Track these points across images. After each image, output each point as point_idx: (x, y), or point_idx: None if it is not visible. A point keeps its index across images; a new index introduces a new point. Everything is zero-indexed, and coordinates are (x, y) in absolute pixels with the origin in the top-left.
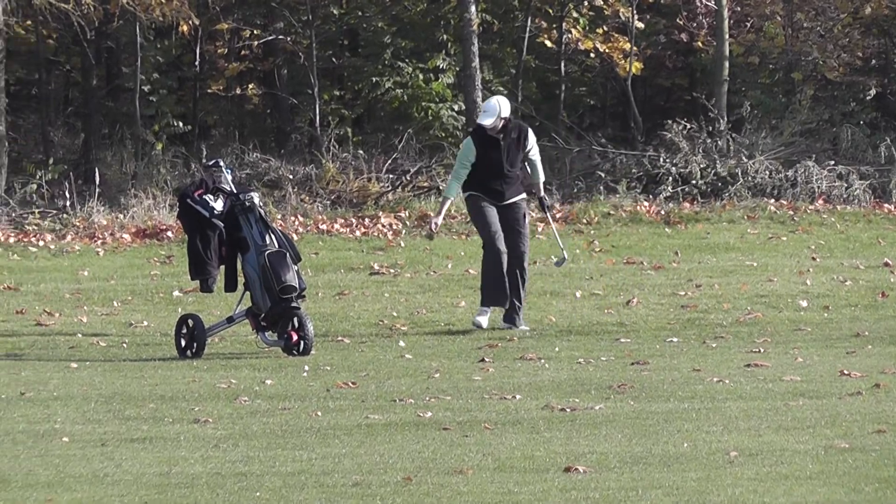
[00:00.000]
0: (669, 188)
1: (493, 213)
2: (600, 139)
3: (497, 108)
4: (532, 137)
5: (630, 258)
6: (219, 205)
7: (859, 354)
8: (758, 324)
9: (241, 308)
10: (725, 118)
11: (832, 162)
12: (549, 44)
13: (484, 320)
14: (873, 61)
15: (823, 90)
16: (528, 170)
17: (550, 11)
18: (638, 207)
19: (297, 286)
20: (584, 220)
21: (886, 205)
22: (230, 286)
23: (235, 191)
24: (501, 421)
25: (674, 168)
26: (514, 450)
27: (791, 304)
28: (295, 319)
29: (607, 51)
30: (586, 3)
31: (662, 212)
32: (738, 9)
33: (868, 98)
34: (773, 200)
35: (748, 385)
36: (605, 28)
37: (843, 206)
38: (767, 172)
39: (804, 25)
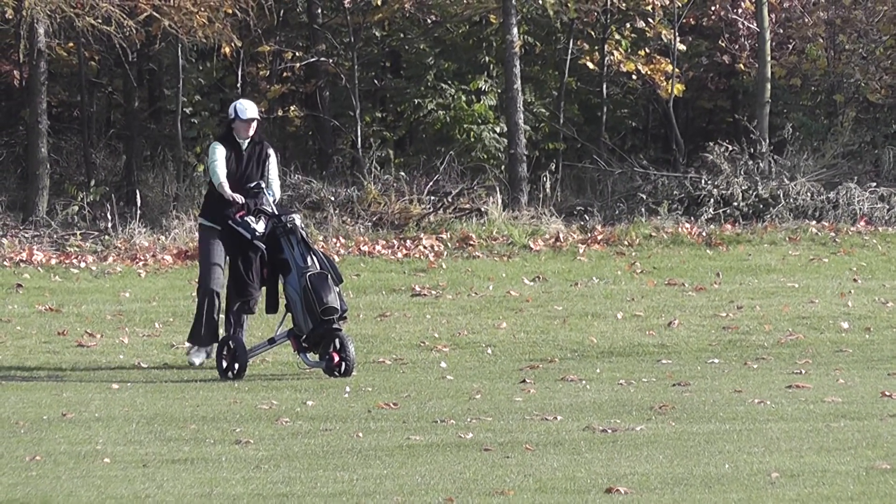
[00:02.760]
0: (711, 210)
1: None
2: (642, 161)
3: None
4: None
5: (671, 280)
6: (260, 226)
7: None
8: (799, 345)
9: (283, 329)
10: (767, 140)
11: (874, 184)
12: (591, 66)
13: None
14: None
15: (865, 112)
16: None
17: (592, 34)
18: (679, 229)
19: (339, 308)
20: (626, 242)
21: None
22: (271, 307)
23: (277, 212)
24: (542, 442)
25: (715, 190)
26: (556, 471)
27: (832, 326)
28: (336, 341)
29: (649, 73)
30: (628, 25)
31: (704, 233)
32: (781, 31)
33: None
34: (814, 222)
35: (789, 406)
36: (647, 50)
37: (885, 228)
38: (809, 194)
39: (846, 48)
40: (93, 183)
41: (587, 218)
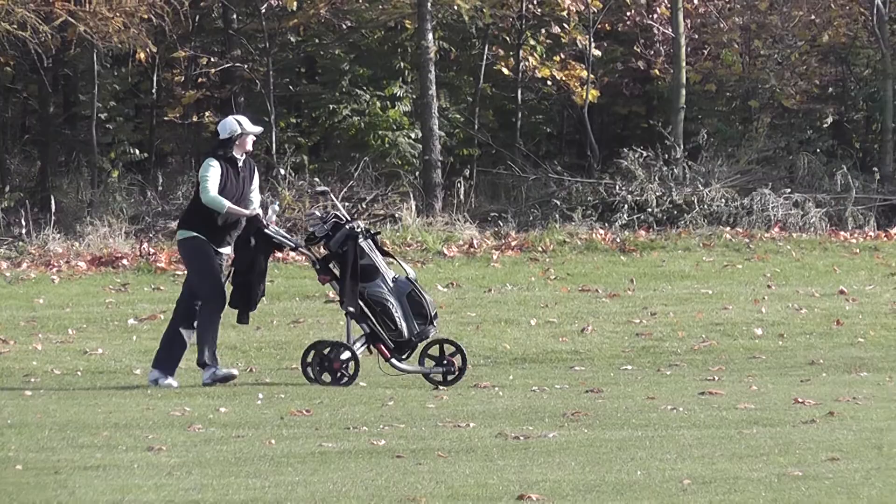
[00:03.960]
0: (625, 216)
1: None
2: (556, 167)
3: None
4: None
5: (585, 286)
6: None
7: (814, 382)
8: (712, 352)
9: (359, 338)
10: (682, 146)
11: (788, 190)
12: (506, 71)
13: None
14: (830, 89)
15: (780, 118)
16: None
17: (508, 39)
18: (593, 235)
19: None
20: (540, 248)
21: (842, 233)
22: (354, 303)
23: (350, 218)
24: (455, 449)
25: (630, 196)
26: (468, 478)
27: (746, 332)
28: (448, 345)
29: (564, 78)
30: (543, 31)
31: (618, 239)
32: (696, 36)
33: (825, 126)
34: (728, 228)
35: (702, 413)
36: (563, 56)
37: (799, 234)
38: (723, 200)
39: (761, 53)
40: (7, 189)
41: (501, 224)
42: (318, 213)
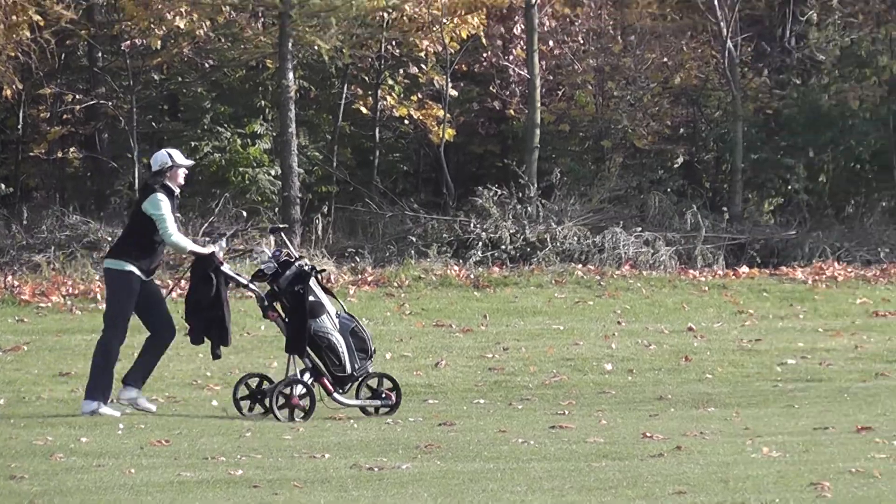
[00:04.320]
0: (479, 253)
1: None
2: (413, 204)
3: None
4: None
5: (439, 321)
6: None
7: (662, 417)
8: (563, 386)
9: (299, 371)
10: (536, 184)
11: (639, 228)
12: (364, 110)
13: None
14: (682, 130)
15: (632, 158)
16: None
17: (366, 79)
18: (448, 271)
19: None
20: (395, 284)
21: (692, 271)
22: (300, 348)
23: (297, 256)
24: (311, 479)
25: (484, 233)
26: None
27: (596, 368)
28: (386, 379)
29: (421, 118)
30: (402, 71)
31: (472, 276)
32: (551, 77)
33: (676, 166)
34: (580, 265)
35: (553, 446)
36: (420, 95)
37: (649, 272)
38: (576, 238)
39: (615, 94)
40: None
41: (358, 259)
42: (267, 251)
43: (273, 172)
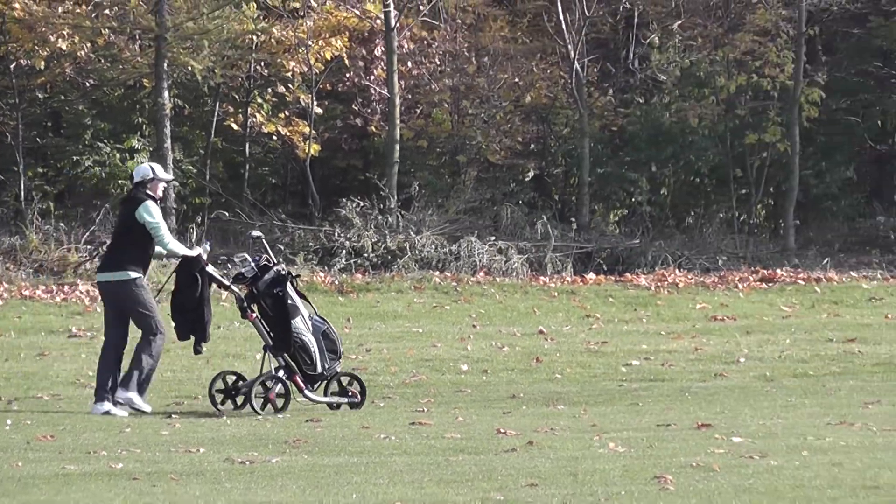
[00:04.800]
0: (343, 260)
1: None
2: (281, 215)
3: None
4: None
5: None
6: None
7: (514, 414)
8: (422, 385)
9: (273, 369)
10: (396, 196)
11: (493, 238)
12: (235, 127)
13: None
14: (532, 146)
15: (486, 172)
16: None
17: (237, 97)
18: (314, 278)
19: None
20: None
21: (542, 277)
22: (286, 347)
23: (277, 261)
24: (186, 472)
25: (348, 242)
26: (198, 499)
27: (453, 368)
28: (353, 380)
29: (289, 134)
30: (270, 90)
31: (336, 282)
32: (409, 96)
33: (527, 179)
34: (438, 272)
35: (413, 441)
36: (287, 113)
37: (503, 279)
38: (433, 247)
39: (469, 112)
40: None
41: (230, 266)
42: (248, 255)
43: None
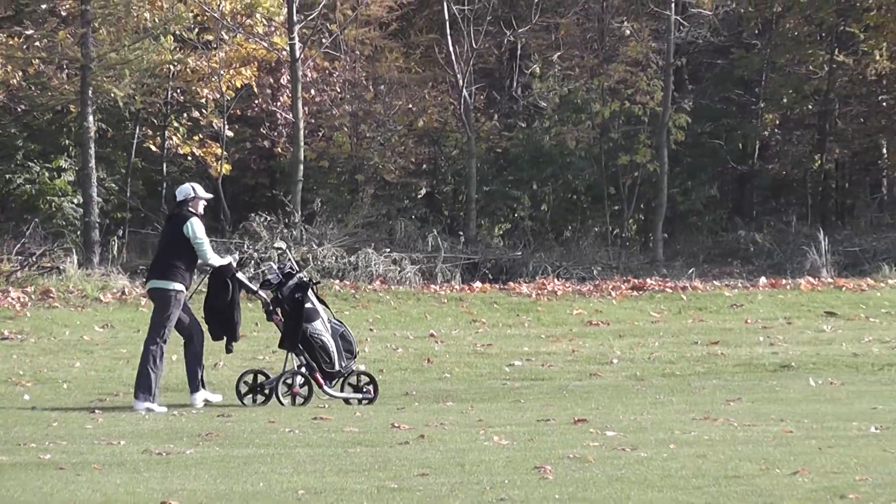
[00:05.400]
0: (252, 270)
1: None
2: None
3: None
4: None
5: None
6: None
7: (408, 410)
8: None
9: (294, 367)
10: (300, 212)
11: (388, 249)
12: (153, 148)
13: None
14: (424, 166)
15: (382, 189)
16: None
17: (155, 121)
18: None
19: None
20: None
21: (433, 286)
22: (293, 345)
23: (299, 268)
24: (108, 462)
25: (256, 253)
26: (119, 487)
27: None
28: (365, 377)
29: (202, 154)
30: (185, 115)
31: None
32: (312, 120)
33: (419, 196)
34: (338, 281)
35: (315, 434)
36: (201, 136)
37: (397, 287)
38: (334, 258)
39: (367, 135)
40: None
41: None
42: (274, 265)
43: (76, 201)
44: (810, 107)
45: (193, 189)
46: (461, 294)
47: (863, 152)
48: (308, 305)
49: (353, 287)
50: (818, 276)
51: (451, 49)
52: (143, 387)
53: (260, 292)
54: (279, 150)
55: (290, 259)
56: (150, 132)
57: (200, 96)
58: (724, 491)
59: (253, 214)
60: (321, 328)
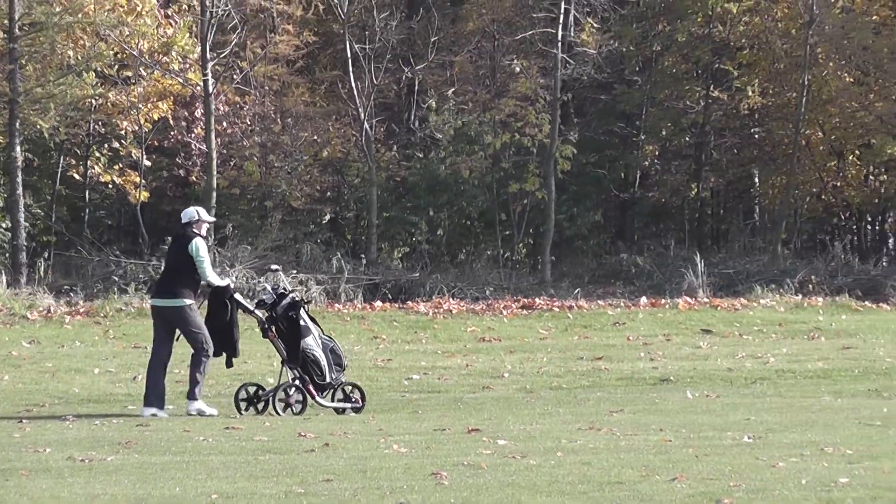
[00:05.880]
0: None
1: None
2: (115, 251)
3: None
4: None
5: (137, 343)
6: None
7: (313, 420)
8: (233, 396)
9: (289, 379)
10: (213, 236)
11: (295, 271)
12: (76, 177)
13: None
14: (328, 193)
15: (290, 215)
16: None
17: (78, 152)
18: (143, 304)
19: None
20: (102, 314)
21: (337, 304)
22: (296, 360)
23: (290, 289)
24: (35, 469)
25: None
26: (45, 491)
27: (262, 381)
28: (356, 389)
29: (122, 182)
30: (106, 146)
31: None
32: (224, 151)
33: (324, 221)
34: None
35: (227, 443)
36: (121, 165)
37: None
38: (245, 278)
39: (275, 165)
40: None
41: (72, 295)
42: (268, 286)
43: (4, 226)
44: (687, 139)
45: (198, 213)
46: (363, 312)
47: (736, 181)
48: (301, 323)
49: None
50: (695, 296)
51: (353, 85)
52: (192, 391)
53: (256, 311)
54: (194, 178)
55: (282, 280)
56: (74, 162)
57: (120, 128)
58: (607, 496)
59: (169, 238)
60: (312, 343)
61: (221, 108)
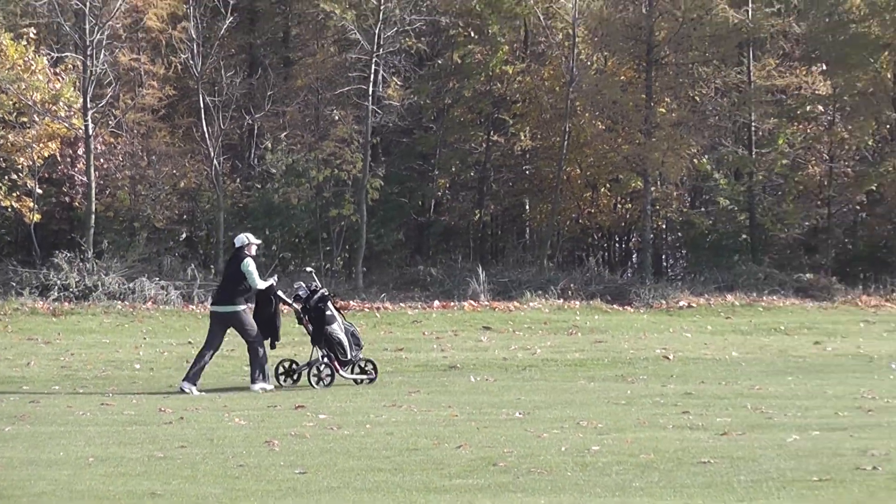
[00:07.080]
0: (56, 293)
1: None
2: (13, 262)
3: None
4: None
5: (30, 336)
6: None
7: (171, 398)
8: (109, 378)
9: (318, 357)
10: (92, 250)
11: (158, 278)
12: None
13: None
14: (185, 216)
15: (154, 234)
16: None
17: None
18: (37, 305)
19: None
20: (2, 313)
21: (191, 306)
22: (319, 341)
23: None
24: None
25: (59, 281)
26: None
27: (130, 367)
28: (369, 363)
29: (19, 207)
30: (6, 177)
31: (51, 308)
32: (102, 182)
33: (181, 239)
34: (120, 302)
35: (102, 416)
36: (18, 193)
37: (164, 306)
38: (117, 284)
39: (143, 193)
40: None
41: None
42: (303, 283)
43: None
44: (472, 174)
45: (248, 237)
46: None
47: (511, 208)
48: (328, 313)
49: (131, 307)
50: (478, 299)
51: (205, 129)
52: (257, 374)
53: (293, 304)
54: (76, 203)
55: (314, 279)
56: None
57: (18, 163)
58: (406, 460)
59: (57, 251)
60: (337, 329)
61: (99, 148)
